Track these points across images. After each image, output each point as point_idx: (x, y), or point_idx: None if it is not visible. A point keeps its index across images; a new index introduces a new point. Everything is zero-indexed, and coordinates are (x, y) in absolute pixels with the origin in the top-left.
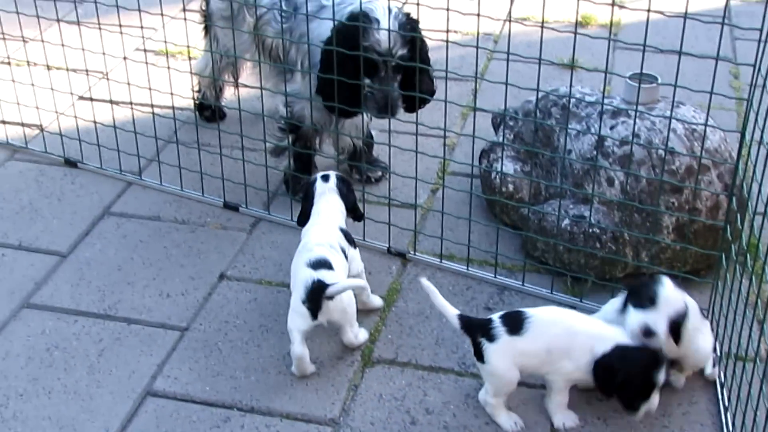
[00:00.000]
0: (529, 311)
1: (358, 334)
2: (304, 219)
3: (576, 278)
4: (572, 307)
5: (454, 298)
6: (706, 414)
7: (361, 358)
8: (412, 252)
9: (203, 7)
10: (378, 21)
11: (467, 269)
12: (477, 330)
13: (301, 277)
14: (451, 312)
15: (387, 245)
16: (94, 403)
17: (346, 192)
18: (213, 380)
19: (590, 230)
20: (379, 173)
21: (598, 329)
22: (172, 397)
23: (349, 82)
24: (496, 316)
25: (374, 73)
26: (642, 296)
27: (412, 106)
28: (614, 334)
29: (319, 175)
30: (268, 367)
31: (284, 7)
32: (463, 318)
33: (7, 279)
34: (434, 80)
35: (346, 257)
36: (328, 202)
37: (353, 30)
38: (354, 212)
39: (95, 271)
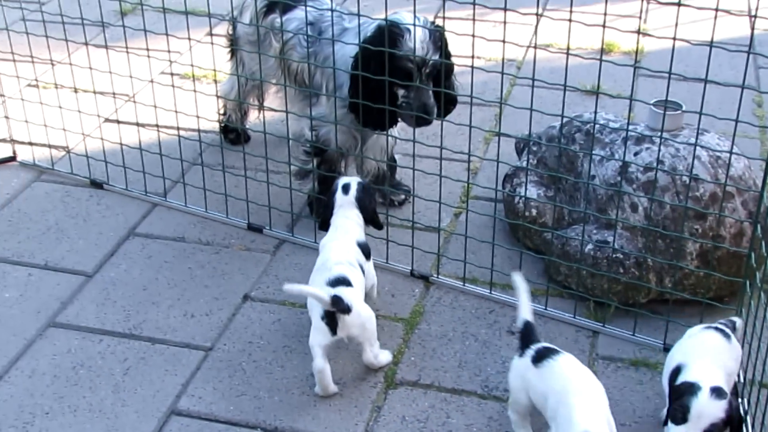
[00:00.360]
0: (560, 354)
1: (378, 355)
2: (324, 226)
3: (599, 303)
4: (595, 332)
5: (477, 321)
6: None
7: (384, 379)
8: (435, 275)
9: (230, 32)
10: (409, 30)
11: (490, 293)
12: (523, 343)
13: None
14: (523, 315)
15: (410, 268)
16: (119, 422)
17: (366, 203)
18: (237, 400)
19: (614, 255)
20: (403, 196)
21: (581, 411)
22: (197, 416)
23: (375, 106)
24: (541, 344)
25: (409, 81)
26: (676, 409)
27: (439, 110)
28: (585, 425)
29: (341, 183)
30: (292, 388)
31: (309, 32)
32: (527, 326)
33: (34, 298)
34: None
35: (363, 272)
36: (346, 217)
37: (383, 42)
38: (373, 222)
39: (120, 291)
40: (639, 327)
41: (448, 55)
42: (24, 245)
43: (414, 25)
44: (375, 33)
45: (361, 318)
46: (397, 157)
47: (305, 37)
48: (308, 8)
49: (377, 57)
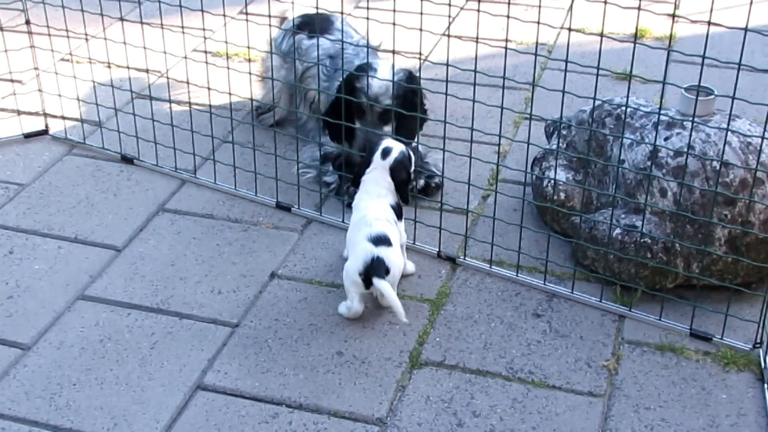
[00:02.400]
0: None
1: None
2: (356, 182)
3: (625, 287)
4: (621, 316)
5: (502, 303)
6: (755, 426)
7: (408, 359)
8: (462, 257)
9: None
10: (375, 71)
11: (517, 275)
12: None
13: (362, 249)
14: None
15: (437, 249)
16: (145, 395)
17: (399, 173)
18: (262, 376)
19: (641, 240)
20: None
21: None
22: (222, 391)
23: (336, 123)
24: None
25: (363, 116)
26: None
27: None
28: None
29: (383, 145)
30: (317, 366)
31: (329, 65)
32: None
33: (63, 271)
34: (422, 123)
35: None
36: (376, 182)
37: (352, 77)
38: (401, 193)
39: (149, 266)
40: (665, 312)
41: (415, 101)
42: (54, 218)
43: (393, 65)
44: (346, 76)
45: (394, 277)
46: (425, 139)
47: (323, 70)
48: (330, 41)
49: (344, 91)
